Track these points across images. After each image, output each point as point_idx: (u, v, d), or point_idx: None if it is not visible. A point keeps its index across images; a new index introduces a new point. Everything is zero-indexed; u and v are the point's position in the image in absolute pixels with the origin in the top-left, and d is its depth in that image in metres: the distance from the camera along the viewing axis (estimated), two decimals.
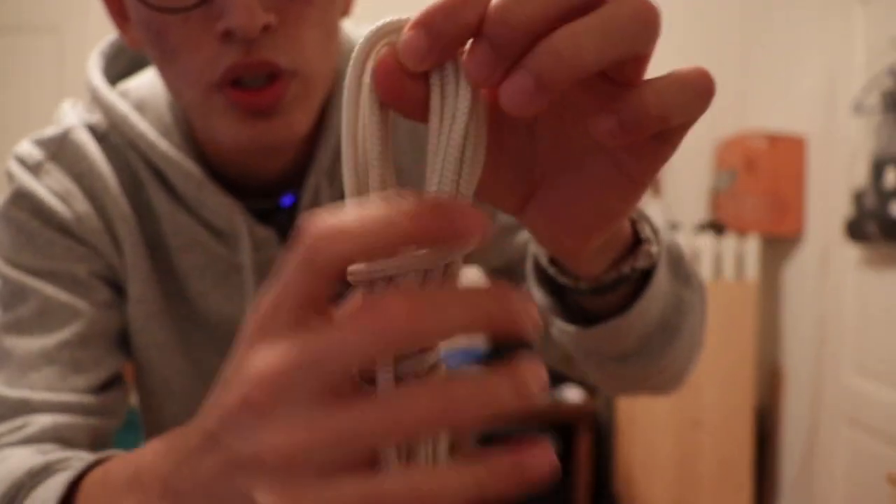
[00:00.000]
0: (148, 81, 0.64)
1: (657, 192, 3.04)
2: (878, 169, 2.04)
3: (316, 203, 0.63)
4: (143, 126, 0.60)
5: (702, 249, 2.79)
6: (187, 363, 0.66)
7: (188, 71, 0.51)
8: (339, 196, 0.62)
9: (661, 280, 0.46)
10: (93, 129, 0.63)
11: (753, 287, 2.74)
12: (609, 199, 0.34)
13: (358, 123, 0.29)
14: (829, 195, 2.44)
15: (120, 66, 0.68)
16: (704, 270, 2.78)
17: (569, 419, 2.65)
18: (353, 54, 0.29)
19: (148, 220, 0.63)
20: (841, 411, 2.33)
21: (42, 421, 0.55)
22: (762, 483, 2.84)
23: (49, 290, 0.59)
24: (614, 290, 0.44)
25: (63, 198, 0.61)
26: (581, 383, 0.48)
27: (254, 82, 0.51)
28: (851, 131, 2.24)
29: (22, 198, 0.61)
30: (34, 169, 0.62)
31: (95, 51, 0.67)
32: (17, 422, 0.55)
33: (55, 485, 0.42)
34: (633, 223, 0.43)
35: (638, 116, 0.28)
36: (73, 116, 0.64)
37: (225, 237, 0.63)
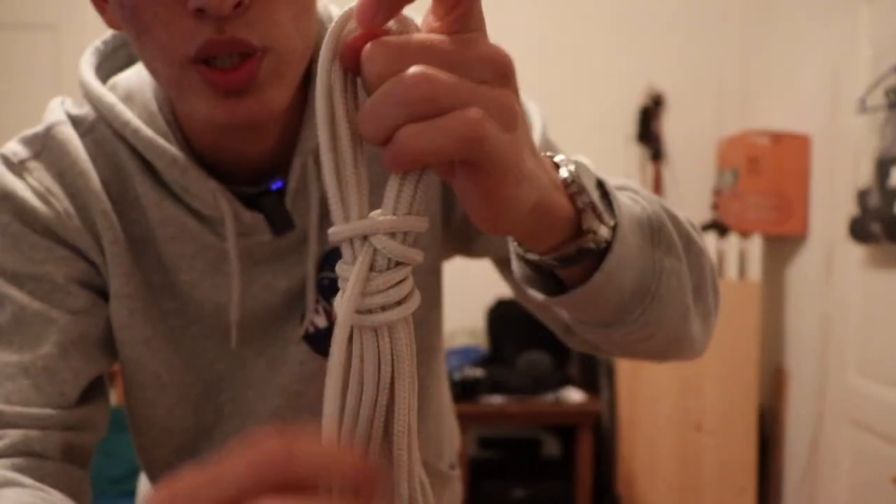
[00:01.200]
0: (135, 72, 0.64)
1: (659, 192, 3.02)
2: (882, 168, 2.02)
3: (303, 184, 0.62)
4: (129, 115, 0.60)
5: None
6: (177, 355, 0.65)
7: (163, 48, 0.51)
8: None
9: (628, 251, 0.48)
10: (78, 123, 0.63)
11: (756, 287, 2.72)
12: (483, 209, 0.39)
13: (332, 87, 0.36)
14: (833, 194, 2.42)
15: (118, 62, 0.68)
16: None
17: (571, 420, 2.63)
18: (328, 31, 0.34)
19: (133, 212, 0.63)
20: (845, 412, 2.31)
21: (13, 435, 0.55)
22: (765, 484, 2.82)
23: (26, 299, 0.59)
24: (578, 263, 0.47)
25: (44, 197, 0.61)
26: (584, 359, 0.54)
27: (227, 61, 0.51)
28: (856, 130, 2.22)
29: (4, 199, 0.60)
30: (17, 168, 0.61)
31: (90, 47, 0.67)
32: None
33: None
34: (579, 210, 0.46)
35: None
36: (58, 112, 0.64)
37: (212, 224, 0.62)
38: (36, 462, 0.56)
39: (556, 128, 0.71)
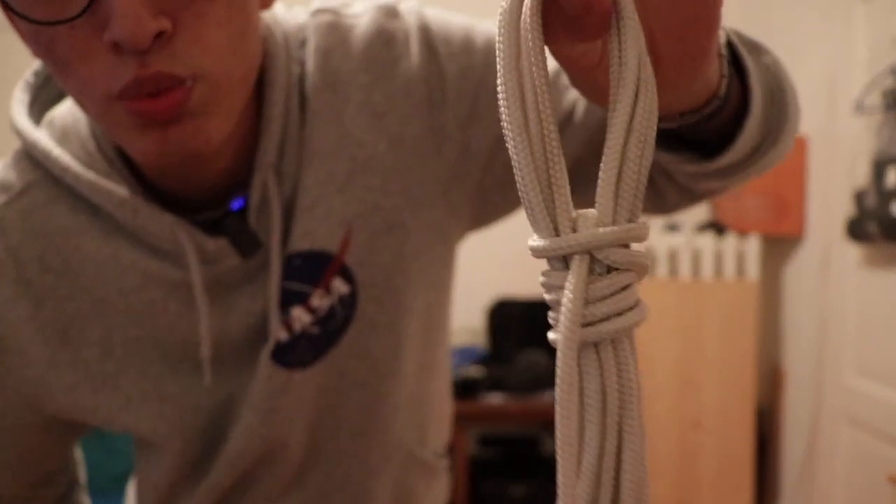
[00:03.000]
0: (69, 106, 0.60)
1: None
2: (879, 169, 2.04)
3: (265, 201, 0.58)
4: (66, 160, 0.56)
5: (702, 249, 2.78)
6: (162, 403, 0.62)
7: (85, 84, 0.47)
8: (288, 190, 0.59)
9: (760, 77, 0.48)
10: (5, 189, 0.58)
11: (754, 287, 2.73)
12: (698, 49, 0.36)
13: (521, 55, 0.29)
14: (830, 195, 2.43)
15: (54, 91, 0.63)
16: (705, 271, 2.78)
17: None
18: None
19: (82, 279, 0.58)
20: (842, 411, 2.32)
21: None
22: (763, 484, 2.84)
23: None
24: (718, 115, 0.43)
25: None
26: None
27: (151, 90, 0.46)
28: (852, 131, 2.23)
29: None
30: None
31: (20, 82, 0.61)
32: None
33: None
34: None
35: None
36: None
37: (176, 258, 0.58)
38: None
39: None
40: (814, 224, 2.62)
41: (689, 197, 0.60)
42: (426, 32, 0.61)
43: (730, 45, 0.46)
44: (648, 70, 0.29)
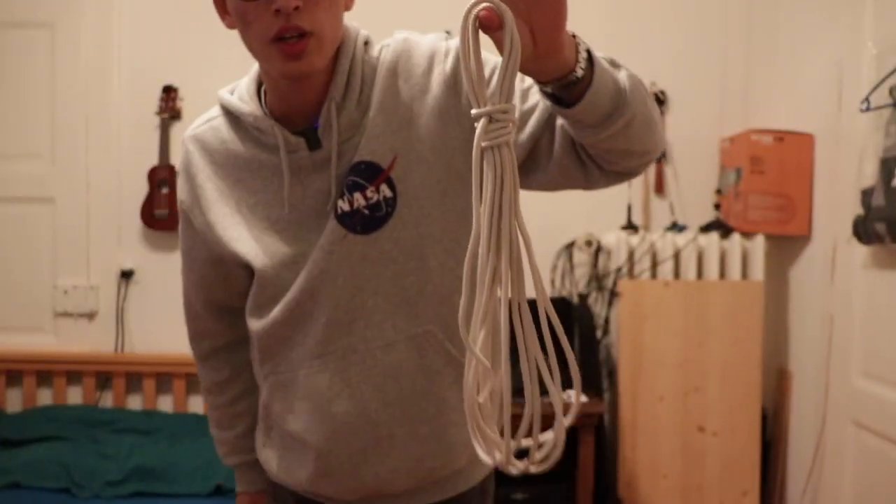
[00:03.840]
0: (245, 79, 1.09)
1: (661, 191, 3.00)
2: (886, 167, 2.00)
3: (329, 122, 0.99)
4: (232, 100, 1.06)
5: (707, 250, 2.75)
6: (278, 241, 1.04)
7: (257, 32, 0.93)
8: (345, 117, 1.00)
9: (606, 69, 0.82)
10: (203, 123, 1.10)
11: (760, 288, 2.70)
12: (553, 40, 0.72)
13: (469, 44, 0.65)
14: (837, 194, 2.40)
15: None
16: (710, 271, 2.75)
17: (572, 422, 2.61)
18: (464, 12, 0.64)
19: (232, 160, 1.06)
20: (848, 413, 2.29)
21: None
22: (769, 486, 2.80)
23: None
24: (579, 84, 0.79)
25: (183, 199, 1.12)
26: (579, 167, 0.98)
27: (291, 38, 0.91)
28: (860, 128, 2.20)
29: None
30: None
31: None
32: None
33: None
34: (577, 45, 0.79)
35: None
36: (190, 128, 1.12)
37: (276, 151, 1.02)
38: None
39: None
40: (820, 224, 2.59)
41: (606, 172, 0.95)
42: (456, 52, 1.03)
43: (590, 54, 0.80)
44: (517, 37, 0.64)
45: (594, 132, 0.85)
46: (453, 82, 1.00)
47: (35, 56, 3.00)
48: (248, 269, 1.07)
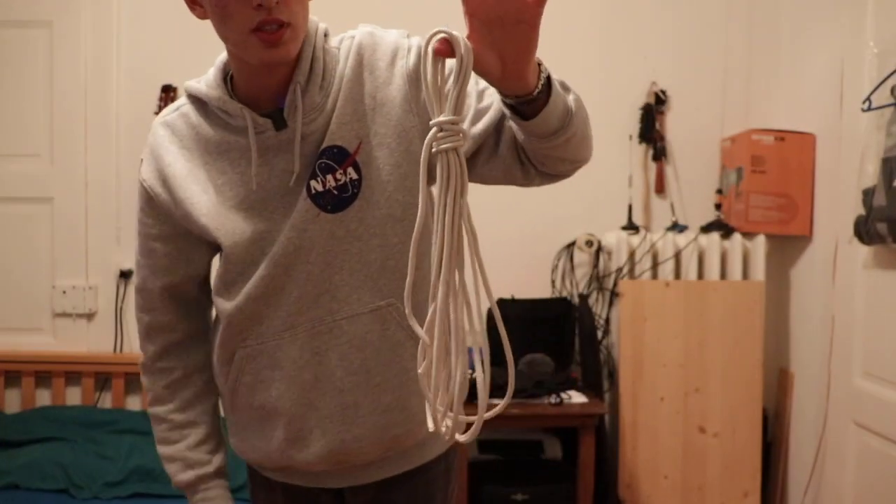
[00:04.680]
0: (210, 71, 1.14)
1: (662, 191, 2.99)
2: (888, 166, 1.99)
3: (294, 103, 1.06)
4: (200, 87, 1.11)
5: (708, 250, 2.74)
6: (245, 219, 1.10)
7: (236, 24, 0.97)
8: (309, 99, 1.06)
9: (559, 92, 0.92)
10: (175, 108, 1.15)
11: (761, 288, 2.69)
12: (514, 56, 0.81)
13: (428, 66, 0.75)
14: (838, 194, 2.39)
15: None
16: (711, 271, 2.74)
17: (573, 422, 2.60)
18: (425, 40, 0.76)
19: (201, 145, 1.11)
20: (850, 413, 2.28)
21: None
22: (770, 487, 2.80)
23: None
24: (536, 102, 0.89)
25: (146, 178, 1.15)
26: (520, 167, 1.11)
27: (270, 28, 0.97)
28: (861, 128, 2.19)
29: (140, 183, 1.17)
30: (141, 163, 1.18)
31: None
32: None
33: None
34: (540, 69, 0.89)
35: None
36: (159, 116, 1.17)
37: (244, 133, 1.08)
38: None
39: None
40: (821, 224, 2.58)
41: (541, 173, 1.06)
42: (417, 50, 1.11)
43: (549, 78, 0.90)
44: (470, 57, 0.75)
45: (540, 142, 0.96)
46: (415, 77, 1.08)
47: (34, 55, 3.00)
48: (211, 247, 1.16)
